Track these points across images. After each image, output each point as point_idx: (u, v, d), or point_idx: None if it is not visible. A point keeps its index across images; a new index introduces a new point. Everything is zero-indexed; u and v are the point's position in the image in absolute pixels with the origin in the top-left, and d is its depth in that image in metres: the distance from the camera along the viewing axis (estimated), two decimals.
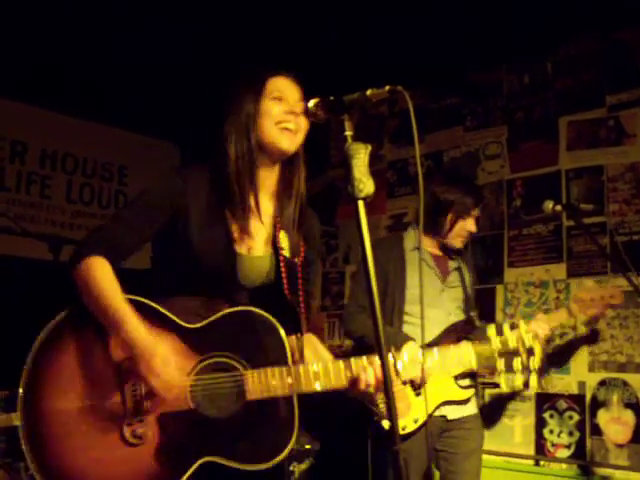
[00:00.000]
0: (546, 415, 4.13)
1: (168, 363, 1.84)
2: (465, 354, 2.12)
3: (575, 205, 3.76)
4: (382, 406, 3.12)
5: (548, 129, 4.42)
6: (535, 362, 2.07)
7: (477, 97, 4.82)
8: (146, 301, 1.96)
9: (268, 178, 2.17)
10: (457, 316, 3.37)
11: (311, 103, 1.89)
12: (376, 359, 1.96)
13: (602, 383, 3.95)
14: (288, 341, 2.00)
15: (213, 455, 1.87)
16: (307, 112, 1.91)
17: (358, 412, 3.26)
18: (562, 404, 4.08)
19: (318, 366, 1.98)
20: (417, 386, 3.15)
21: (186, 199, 2.04)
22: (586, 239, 4.08)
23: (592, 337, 3.98)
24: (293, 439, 1.91)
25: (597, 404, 3.95)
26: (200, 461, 1.86)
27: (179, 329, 1.94)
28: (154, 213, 2.04)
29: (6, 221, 4.13)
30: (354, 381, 1.98)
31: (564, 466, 4.02)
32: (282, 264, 2.12)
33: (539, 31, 4.26)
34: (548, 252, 4.30)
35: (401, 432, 3.13)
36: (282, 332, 1.99)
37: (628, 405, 3.84)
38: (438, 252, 3.50)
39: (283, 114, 2.07)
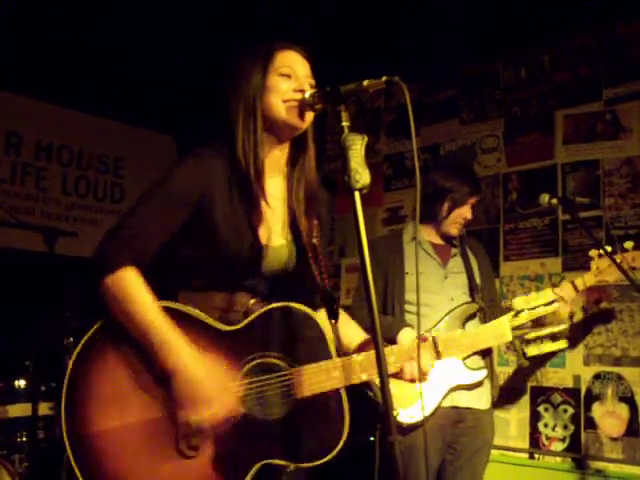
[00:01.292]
0: (541, 408, 4.14)
1: (216, 403, 1.77)
2: (500, 328, 2.24)
3: (571, 199, 3.77)
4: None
5: (544, 123, 4.42)
6: (563, 328, 2.13)
7: (474, 90, 4.82)
8: (180, 307, 1.87)
9: (279, 158, 2.06)
10: (461, 301, 3.35)
11: (308, 94, 1.89)
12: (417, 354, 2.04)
13: (597, 377, 3.96)
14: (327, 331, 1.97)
15: (270, 458, 1.84)
16: (304, 102, 1.90)
17: (366, 403, 3.23)
18: (557, 397, 4.09)
19: (361, 356, 1.96)
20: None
21: (212, 187, 1.91)
22: (582, 233, 4.09)
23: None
24: (346, 430, 1.88)
25: (592, 397, 3.95)
26: (258, 465, 1.82)
27: (218, 334, 1.87)
28: (179, 207, 1.89)
29: (1, 213, 4.12)
30: (399, 371, 2.05)
31: (558, 459, 4.03)
32: (308, 249, 2.06)
33: (536, 24, 4.26)
34: (544, 246, 4.31)
35: (409, 421, 3.10)
36: (321, 324, 1.94)
37: (623, 399, 3.85)
38: (438, 240, 3.50)
39: (292, 92, 1.94)
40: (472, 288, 3.40)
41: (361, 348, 2.07)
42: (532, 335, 2.24)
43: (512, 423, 4.23)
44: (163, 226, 1.88)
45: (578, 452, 3.94)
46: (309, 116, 1.99)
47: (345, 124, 1.72)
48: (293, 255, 2.06)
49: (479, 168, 4.68)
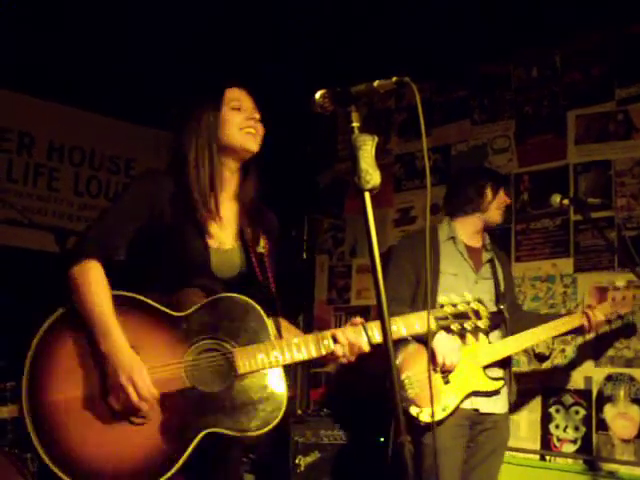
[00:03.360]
0: (552, 410, 4.13)
1: (142, 378, 1.99)
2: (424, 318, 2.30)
3: (583, 199, 3.76)
4: (410, 392, 3.11)
5: (556, 123, 4.40)
6: (484, 323, 2.34)
7: (485, 90, 4.80)
8: (135, 295, 2.12)
9: (231, 180, 2.35)
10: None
11: (318, 94, 1.88)
12: (347, 329, 2.21)
13: (609, 378, 3.94)
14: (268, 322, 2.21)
15: (213, 427, 2.02)
16: (314, 104, 1.90)
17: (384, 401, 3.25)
18: (568, 399, 4.07)
19: (298, 339, 2.19)
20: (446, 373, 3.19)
21: (162, 202, 2.22)
22: (593, 233, 4.07)
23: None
24: (283, 409, 2.10)
25: (603, 399, 3.94)
26: (202, 433, 2.00)
27: (168, 318, 2.11)
28: (137, 211, 2.21)
29: (13, 213, 4.14)
30: (332, 350, 2.18)
31: (570, 461, 4.01)
32: (252, 255, 2.32)
33: (548, 24, 4.24)
34: (555, 246, 4.29)
35: (429, 420, 3.12)
36: (262, 312, 2.18)
37: (634, 400, 3.83)
38: (473, 242, 3.51)
39: (245, 120, 2.28)
40: (498, 296, 3.41)
41: None
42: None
43: (523, 424, 4.22)
44: (123, 232, 2.20)
45: (589, 454, 3.93)
46: (259, 140, 2.31)
47: (355, 125, 1.72)
48: (244, 260, 2.32)
49: None
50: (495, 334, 3.34)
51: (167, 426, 2.01)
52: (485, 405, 3.29)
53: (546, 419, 4.15)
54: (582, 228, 4.17)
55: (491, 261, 3.51)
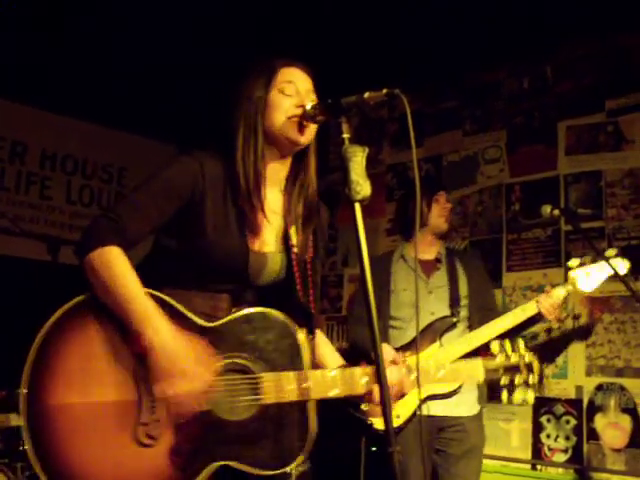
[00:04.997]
0: (543, 419, 4.13)
1: (194, 377, 1.76)
2: (475, 368, 2.13)
3: (573, 210, 3.77)
4: (363, 407, 3.12)
5: (547, 133, 4.43)
6: (534, 378, 2.14)
7: (476, 101, 4.83)
8: (162, 296, 1.85)
9: (279, 172, 2.08)
10: (442, 315, 3.39)
11: (309, 106, 1.90)
12: (392, 369, 1.97)
13: (599, 388, 3.95)
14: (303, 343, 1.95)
15: (226, 459, 1.81)
16: (305, 114, 1.91)
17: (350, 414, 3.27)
18: (559, 408, 4.08)
19: (334, 372, 1.94)
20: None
21: (204, 185, 1.93)
22: (584, 244, 4.09)
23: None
24: (306, 447, 1.86)
25: (594, 409, 3.95)
26: (213, 465, 1.80)
27: (196, 328, 1.86)
28: (170, 199, 1.91)
29: (5, 222, 4.14)
30: (371, 390, 1.94)
31: (561, 470, 4.01)
32: (294, 262, 2.05)
33: (539, 35, 4.27)
34: (546, 256, 4.31)
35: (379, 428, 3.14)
36: (299, 336, 1.93)
37: (625, 410, 3.84)
38: (427, 256, 3.58)
39: (294, 107, 1.96)
40: (452, 301, 3.43)
41: None
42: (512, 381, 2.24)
43: (514, 434, 4.22)
44: (153, 216, 1.90)
45: (580, 463, 3.93)
46: (311, 132, 2.01)
47: (346, 136, 1.73)
48: (284, 266, 2.06)
49: (482, 179, 4.70)
50: (449, 337, 3.34)
51: (175, 452, 1.77)
52: (442, 408, 3.29)
53: (537, 429, 4.15)
54: (573, 238, 4.19)
55: (448, 269, 3.54)
